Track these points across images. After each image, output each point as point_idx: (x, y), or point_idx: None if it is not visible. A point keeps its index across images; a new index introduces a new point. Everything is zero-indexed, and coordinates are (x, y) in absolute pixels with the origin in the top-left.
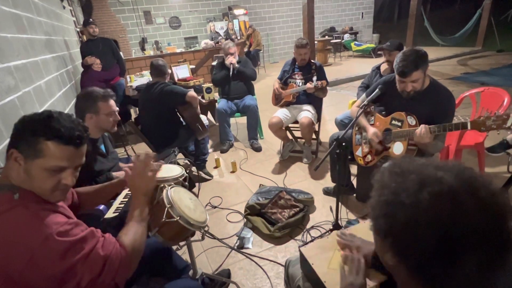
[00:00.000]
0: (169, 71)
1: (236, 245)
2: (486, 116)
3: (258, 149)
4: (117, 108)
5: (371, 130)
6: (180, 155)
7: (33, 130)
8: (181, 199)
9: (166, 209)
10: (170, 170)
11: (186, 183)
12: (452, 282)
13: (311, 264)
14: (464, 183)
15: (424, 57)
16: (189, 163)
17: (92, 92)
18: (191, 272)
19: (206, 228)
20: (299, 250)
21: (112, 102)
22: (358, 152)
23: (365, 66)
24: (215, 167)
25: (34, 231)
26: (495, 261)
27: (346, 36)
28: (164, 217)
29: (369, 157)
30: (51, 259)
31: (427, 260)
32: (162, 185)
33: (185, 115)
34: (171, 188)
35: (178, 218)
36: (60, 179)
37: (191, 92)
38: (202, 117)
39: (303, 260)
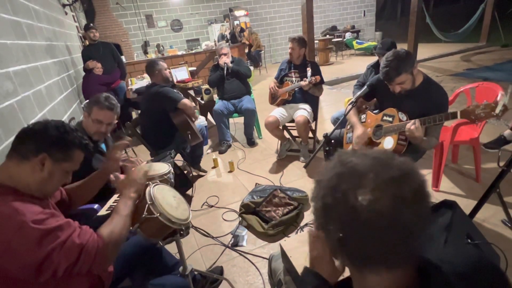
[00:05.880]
0: (159, 66)
1: (230, 243)
2: (475, 105)
3: (253, 144)
4: (112, 122)
5: (359, 130)
6: (179, 157)
7: (70, 139)
8: (163, 197)
9: (147, 205)
10: (157, 168)
11: (172, 180)
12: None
13: (289, 257)
14: (373, 169)
15: (406, 60)
16: (186, 164)
17: (99, 96)
18: (181, 269)
19: (188, 226)
20: (279, 245)
21: (106, 113)
22: None
23: (367, 64)
24: (213, 167)
25: (8, 220)
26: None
27: (348, 35)
28: (145, 213)
29: None
30: (27, 247)
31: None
32: (148, 182)
33: (175, 121)
34: (154, 186)
35: (158, 215)
36: (68, 177)
37: (185, 100)
38: (201, 118)
39: (283, 254)
